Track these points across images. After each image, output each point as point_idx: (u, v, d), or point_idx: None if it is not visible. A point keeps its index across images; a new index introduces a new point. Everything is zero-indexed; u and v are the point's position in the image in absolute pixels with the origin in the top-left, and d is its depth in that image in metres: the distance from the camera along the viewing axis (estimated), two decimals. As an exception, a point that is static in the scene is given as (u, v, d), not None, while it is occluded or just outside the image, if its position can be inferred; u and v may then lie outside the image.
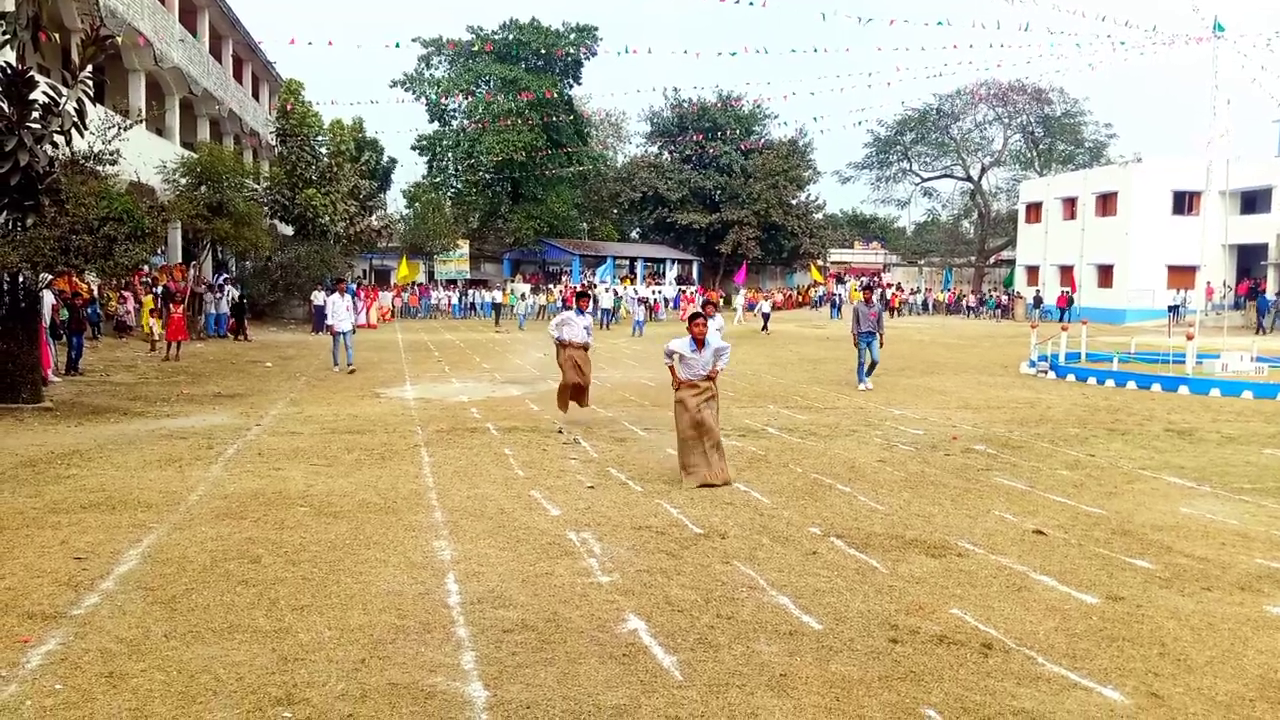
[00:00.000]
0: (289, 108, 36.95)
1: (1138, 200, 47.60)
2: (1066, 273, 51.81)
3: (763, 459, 10.28)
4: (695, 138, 57.23)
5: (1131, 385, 18.17)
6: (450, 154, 57.19)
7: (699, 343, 9.21)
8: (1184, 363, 20.24)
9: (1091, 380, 18.97)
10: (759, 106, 62.00)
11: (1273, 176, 44.70)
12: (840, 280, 63.75)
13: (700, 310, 11.33)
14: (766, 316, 37.24)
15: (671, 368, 9.32)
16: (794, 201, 62.51)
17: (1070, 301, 46.24)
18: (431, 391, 16.64)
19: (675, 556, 6.49)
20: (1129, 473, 9.80)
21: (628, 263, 60.51)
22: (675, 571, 6.15)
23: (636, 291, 48.49)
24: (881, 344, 17.63)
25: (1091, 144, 65.24)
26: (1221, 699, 4.31)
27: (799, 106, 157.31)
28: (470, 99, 55.16)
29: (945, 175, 69.27)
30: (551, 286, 52.58)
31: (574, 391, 13.04)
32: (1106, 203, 49.89)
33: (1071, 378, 19.54)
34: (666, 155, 64.22)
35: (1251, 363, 19.69)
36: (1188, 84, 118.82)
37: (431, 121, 57.52)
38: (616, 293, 46.04)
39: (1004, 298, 54.21)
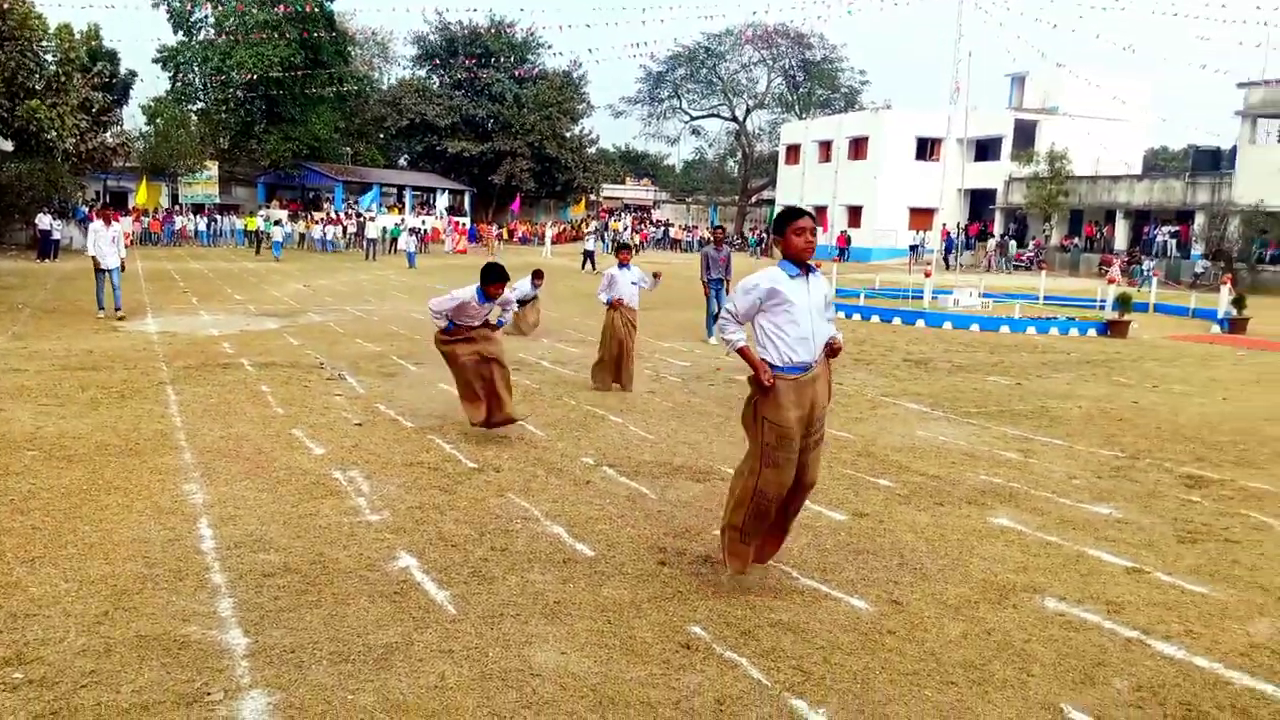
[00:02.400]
0: (5, 7, 32.64)
1: (886, 146, 50.83)
2: (821, 213, 54.78)
3: (537, 392, 10.30)
4: (466, 63, 55.59)
5: (876, 319, 19.57)
6: (197, 68, 52.67)
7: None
8: (922, 298, 22.00)
9: (840, 315, 20.25)
10: (533, 35, 61.04)
11: (1004, 127, 48.93)
12: (613, 216, 64.39)
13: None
14: (590, 254, 36.08)
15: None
16: (568, 134, 62.28)
17: (849, 241, 49.06)
18: (177, 325, 15.48)
19: (449, 492, 6.41)
20: (873, 399, 10.56)
21: (395, 191, 58.41)
22: (449, 507, 6.08)
23: (405, 221, 46.96)
24: (729, 290, 16.62)
25: (847, 90, 68.76)
26: (951, 602, 4.77)
27: (574, 38, 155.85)
28: (220, 9, 50.85)
29: (712, 115, 71.09)
30: (312, 213, 49.97)
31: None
32: (858, 147, 52.97)
33: (825, 312, 20.76)
34: (436, 80, 62.08)
35: (979, 298, 21.67)
36: (935, 37, 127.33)
37: (176, 32, 52.69)
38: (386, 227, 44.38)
39: (763, 235, 56.66)
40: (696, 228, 63.31)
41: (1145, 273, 31.73)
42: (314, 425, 8.30)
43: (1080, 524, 6.13)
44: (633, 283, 10.81)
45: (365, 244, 39.44)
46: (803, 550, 5.49)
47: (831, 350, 4.75)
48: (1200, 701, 3.79)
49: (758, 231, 58.23)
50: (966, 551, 5.55)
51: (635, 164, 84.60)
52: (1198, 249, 37.22)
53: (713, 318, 15.35)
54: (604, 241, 48.61)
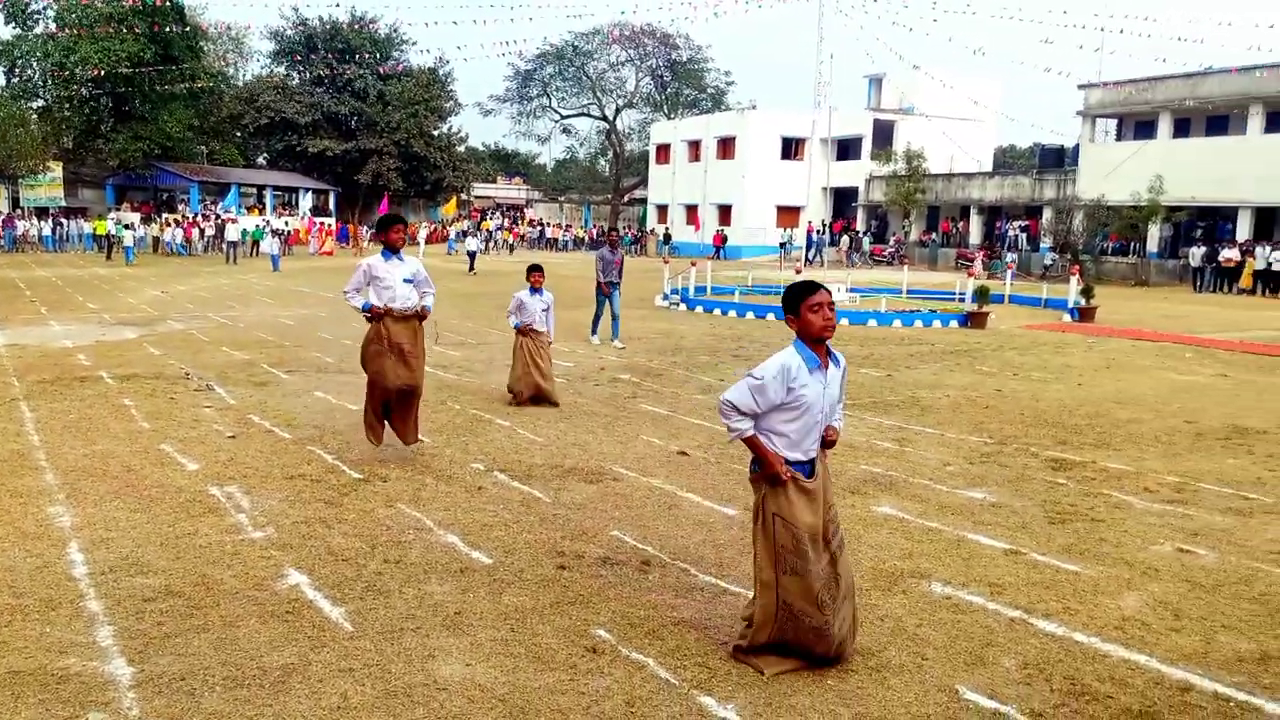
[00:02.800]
0: None
1: (753, 145, 51.89)
2: (692, 211, 55.54)
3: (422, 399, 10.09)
4: (327, 59, 53.99)
5: (751, 315, 19.95)
6: (36, 63, 49.49)
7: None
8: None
9: (717, 311, 20.59)
10: (396, 31, 59.73)
11: (864, 127, 50.58)
12: (484, 216, 63.65)
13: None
14: (473, 255, 35.21)
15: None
16: (435, 132, 61.24)
17: (725, 240, 49.75)
18: (26, 336, 14.53)
19: (334, 505, 6.23)
20: (755, 395, 10.76)
21: (255, 191, 56.28)
22: (336, 520, 5.90)
23: (269, 223, 45.28)
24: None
25: (713, 90, 69.83)
26: (844, 591, 4.91)
27: (440, 35, 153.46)
28: (61, 1, 47.91)
29: (583, 114, 71.10)
30: (165, 215, 47.68)
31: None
32: (726, 147, 53.89)
33: (700, 309, 21.07)
34: (295, 77, 60.07)
35: (847, 293, 22.35)
36: (798, 39, 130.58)
37: (9, 23, 49.41)
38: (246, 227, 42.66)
39: (637, 233, 57.10)
40: (570, 226, 63.26)
41: (1000, 264, 33.39)
42: (184, 439, 7.93)
43: (958, 509, 6.41)
44: (544, 309, 9.91)
45: (226, 247, 37.87)
46: (699, 547, 5.56)
47: (826, 441, 4.13)
48: (1082, 675, 4.01)
49: (632, 230, 58.55)
50: (855, 540, 5.72)
51: (506, 163, 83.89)
52: (1046, 242, 39.30)
53: (598, 319, 15.03)
54: (486, 241, 48.11)
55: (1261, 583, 5.10)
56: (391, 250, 7.29)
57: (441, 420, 8.98)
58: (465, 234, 43.27)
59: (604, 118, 69.86)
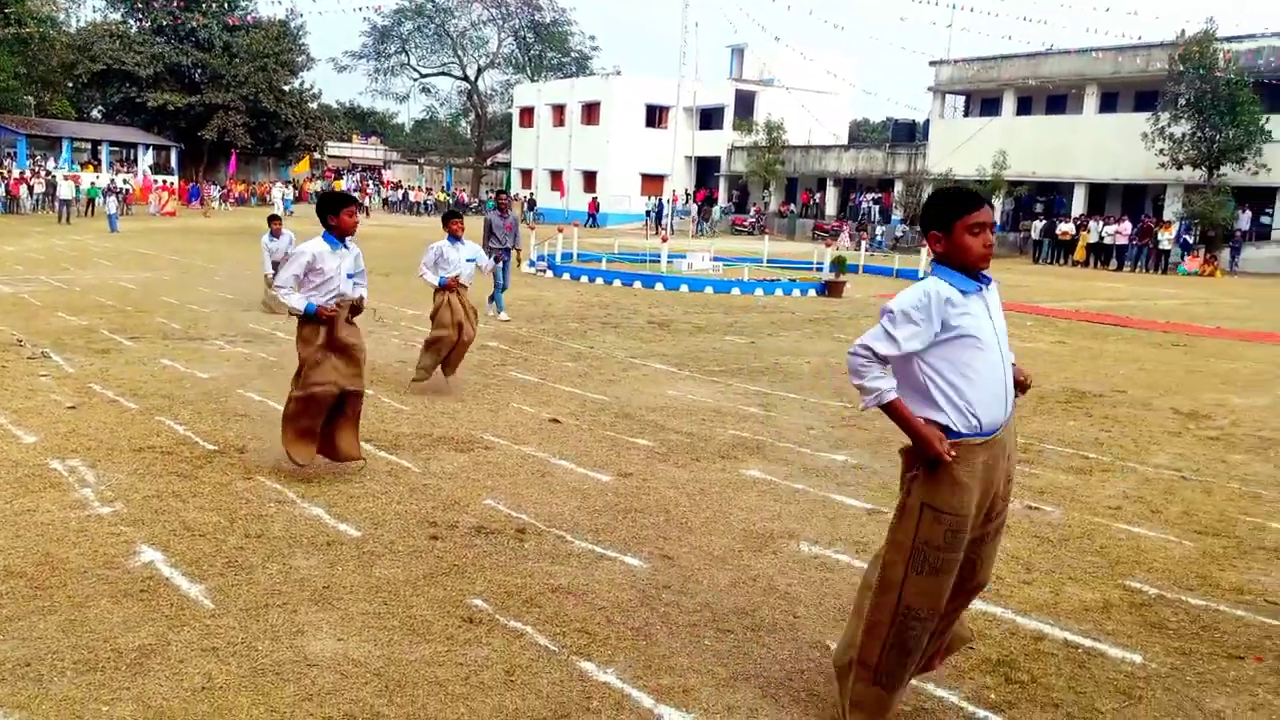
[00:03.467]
0: None
1: (617, 111, 51.80)
2: (556, 177, 55.16)
3: (275, 364, 9.70)
4: (169, 7, 50.83)
5: (618, 283, 20.00)
6: None
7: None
8: (659, 262, 22.72)
9: (584, 279, 20.55)
10: (244, -20, 56.76)
11: (726, 96, 51.19)
12: (339, 176, 61.48)
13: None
14: None
15: None
16: (287, 88, 58.62)
17: (598, 207, 49.46)
18: None
19: (189, 478, 5.92)
20: (623, 361, 10.82)
21: (89, 146, 52.73)
22: (190, 494, 5.62)
23: (112, 181, 42.48)
24: (519, 261, 14.71)
25: (577, 54, 69.23)
26: (718, 553, 5.00)
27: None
28: None
29: (443, 73, 69.35)
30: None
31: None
32: (591, 112, 53.64)
33: (567, 276, 20.98)
34: (133, 24, 56.37)
35: (711, 262, 22.67)
36: (663, 5, 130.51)
37: None
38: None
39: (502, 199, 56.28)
40: (432, 189, 61.80)
41: (881, 240, 34.47)
42: (19, 410, 7.38)
43: (822, 471, 6.61)
44: (469, 259, 8.83)
45: (58, 205, 35.39)
46: (573, 513, 5.56)
47: (1021, 386, 3.36)
48: (942, 626, 4.21)
49: (495, 194, 57.68)
50: (726, 503, 5.84)
51: (362, 122, 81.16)
52: (898, 214, 40.81)
53: (500, 289, 13.81)
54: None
55: (1102, 536, 5.46)
56: (339, 237, 5.98)
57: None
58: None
59: (465, 78, 68.37)
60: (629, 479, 6.27)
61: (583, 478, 6.27)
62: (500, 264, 13.48)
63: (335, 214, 5.92)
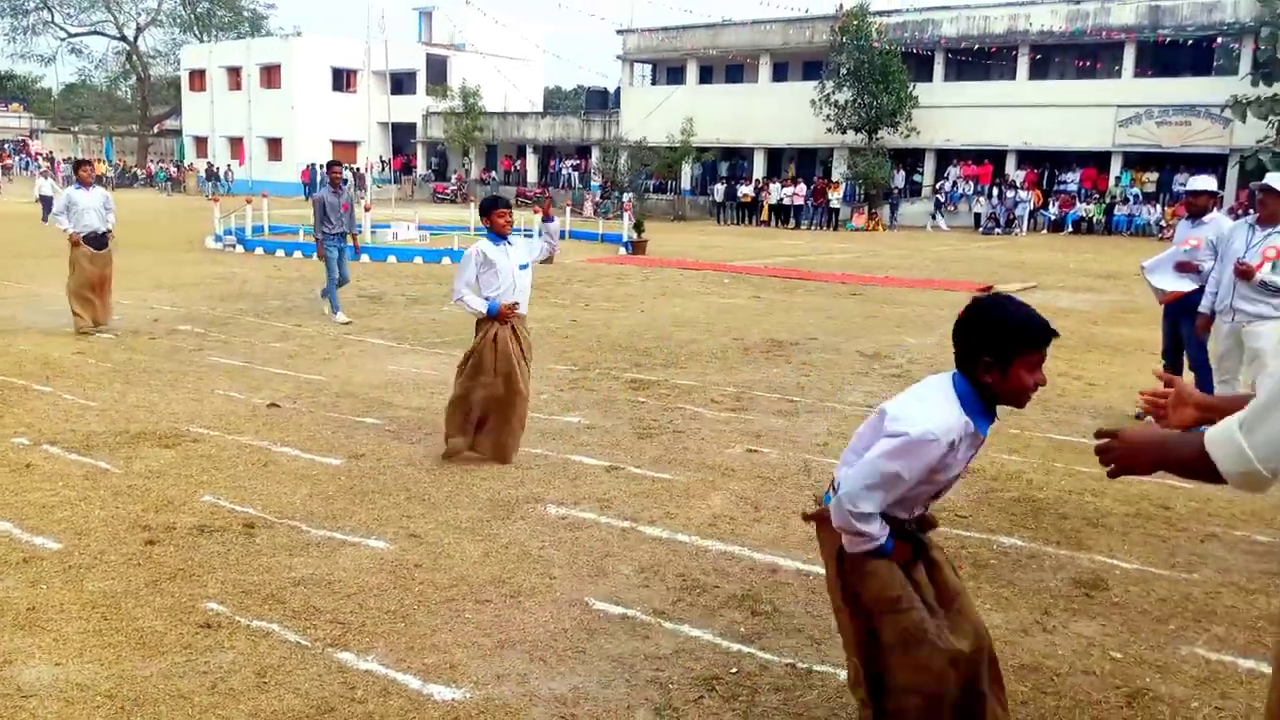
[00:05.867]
0: None
1: (300, 74, 48.96)
2: (237, 144, 51.42)
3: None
4: None
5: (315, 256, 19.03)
6: None
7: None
8: (362, 233, 21.83)
9: (280, 252, 19.40)
10: None
11: (417, 61, 49.81)
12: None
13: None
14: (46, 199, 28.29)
15: None
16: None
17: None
18: None
19: None
20: (336, 338, 10.36)
21: None
22: None
23: None
24: (357, 249, 12.74)
25: (250, 14, 64.50)
26: (466, 525, 4.95)
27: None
28: None
29: (95, 32, 62.09)
30: None
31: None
32: (270, 75, 50.33)
33: (260, 250, 19.71)
34: None
35: (418, 231, 22.14)
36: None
37: None
38: None
39: (174, 170, 51.73)
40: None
41: (619, 203, 34.82)
42: None
43: (558, 434, 6.70)
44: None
45: None
46: (306, 501, 5.28)
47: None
48: (691, 571, 4.43)
49: (167, 165, 52.82)
50: (467, 475, 5.78)
51: (0, 87, 71.28)
52: (596, 180, 41.77)
53: (335, 285, 11.54)
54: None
55: (815, 471, 5.95)
56: (500, 235, 6.06)
57: (-39, 391, 7.56)
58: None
59: (123, 38, 61.66)
60: (361, 460, 6.04)
61: (310, 463, 5.96)
62: (339, 253, 11.60)
63: (486, 215, 6.03)
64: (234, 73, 51.86)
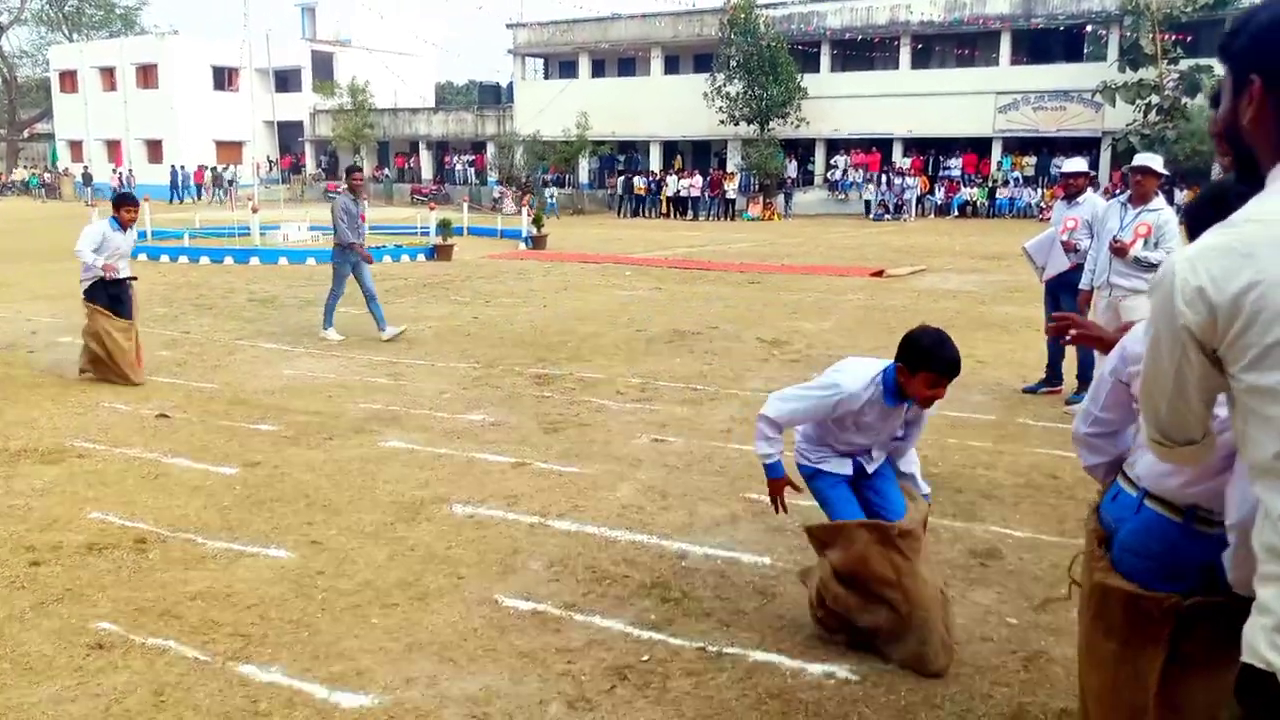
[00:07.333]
0: None
1: (179, 74, 47.18)
2: (114, 147, 49.28)
3: None
4: None
5: (205, 260, 18.42)
6: None
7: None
8: (250, 235, 21.21)
9: (165, 258, 18.69)
10: None
11: (302, 57, 48.47)
12: None
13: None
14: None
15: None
16: None
17: (209, 177, 44.37)
18: None
19: None
20: (227, 345, 10.04)
21: None
22: None
23: None
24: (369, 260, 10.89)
25: (123, 11, 61.82)
26: (369, 530, 4.85)
27: None
28: None
29: (-51, 30, 58.67)
30: None
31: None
32: (148, 74, 48.35)
33: (144, 256, 18.93)
34: None
35: (308, 231, 21.58)
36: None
37: None
38: None
39: (48, 176, 49.32)
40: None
41: (552, 202, 34.34)
42: None
43: (462, 433, 6.63)
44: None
45: None
46: (200, 513, 5.11)
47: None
48: (600, 562, 4.44)
49: (40, 171, 50.28)
50: (369, 478, 5.67)
51: None
52: (494, 176, 41.36)
53: (335, 302, 10.56)
54: None
55: (720, 458, 6.02)
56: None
57: None
58: None
59: (-17, 36, 58.42)
60: (257, 468, 5.87)
61: (204, 474, 5.76)
62: (353, 267, 10.48)
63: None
64: (108, 73, 49.62)
